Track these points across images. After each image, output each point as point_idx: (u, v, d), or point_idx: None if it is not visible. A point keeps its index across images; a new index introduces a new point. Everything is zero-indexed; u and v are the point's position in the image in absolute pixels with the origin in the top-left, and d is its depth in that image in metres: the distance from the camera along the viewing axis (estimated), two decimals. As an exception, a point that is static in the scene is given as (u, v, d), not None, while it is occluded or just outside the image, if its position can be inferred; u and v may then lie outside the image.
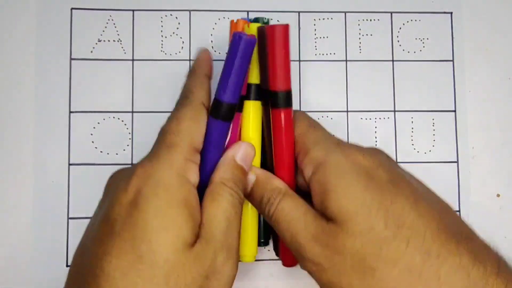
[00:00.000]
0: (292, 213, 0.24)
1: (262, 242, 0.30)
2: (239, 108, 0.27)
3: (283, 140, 0.26)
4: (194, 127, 0.23)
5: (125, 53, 0.32)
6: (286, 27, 0.24)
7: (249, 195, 0.26)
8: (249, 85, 0.27)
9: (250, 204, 0.28)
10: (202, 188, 0.23)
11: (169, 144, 0.22)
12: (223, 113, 0.24)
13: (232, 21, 0.27)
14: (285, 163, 0.26)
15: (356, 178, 0.22)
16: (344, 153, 0.24)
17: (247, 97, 0.27)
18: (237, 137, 0.27)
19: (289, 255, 0.29)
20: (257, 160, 0.28)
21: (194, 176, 0.23)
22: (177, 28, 0.33)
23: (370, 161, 0.23)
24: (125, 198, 0.21)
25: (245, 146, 0.25)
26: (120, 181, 0.22)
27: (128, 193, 0.21)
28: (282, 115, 0.25)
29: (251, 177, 0.26)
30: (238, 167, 0.24)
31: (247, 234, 0.29)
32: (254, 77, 0.27)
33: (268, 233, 0.30)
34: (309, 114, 0.33)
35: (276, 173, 0.26)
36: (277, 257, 0.32)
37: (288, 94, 0.25)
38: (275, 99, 0.25)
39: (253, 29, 0.26)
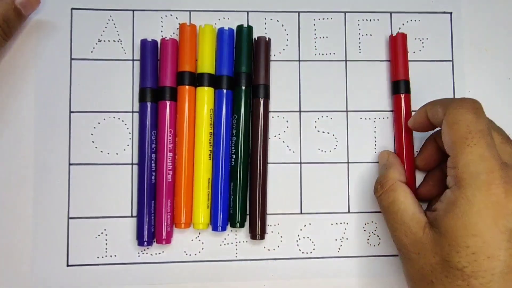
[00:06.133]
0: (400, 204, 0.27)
1: (238, 223, 0.31)
2: (173, 97, 0.31)
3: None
4: None
5: (125, 53, 0.32)
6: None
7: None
8: (202, 74, 0.31)
9: (202, 175, 0.31)
10: None
11: None
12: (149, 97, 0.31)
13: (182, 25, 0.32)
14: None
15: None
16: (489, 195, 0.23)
17: (200, 84, 0.31)
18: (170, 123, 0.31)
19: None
20: (206, 140, 0.31)
21: None
22: (177, 28, 0.33)
23: None
24: None
25: None
26: None
27: None
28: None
29: (383, 161, 0.31)
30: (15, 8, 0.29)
31: (199, 203, 0.31)
32: (207, 68, 0.31)
33: (245, 214, 0.31)
34: (309, 114, 0.33)
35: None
36: (276, 257, 0.32)
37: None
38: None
39: (206, 29, 0.31)
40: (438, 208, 0.24)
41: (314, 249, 0.32)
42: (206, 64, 0.31)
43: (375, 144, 0.33)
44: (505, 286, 0.22)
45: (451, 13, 0.34)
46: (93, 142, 0.32)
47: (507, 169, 0.23)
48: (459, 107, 0.24)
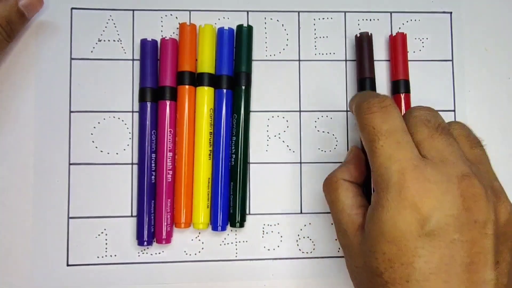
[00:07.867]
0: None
1: (238, 223, 0.31)
2: (173, 97, 0.31)
3: None
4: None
5: (125, 53, 0.32)
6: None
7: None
8: (202, 74, 0.31)
9: (202, 174, 0.31)
10: None
11: None
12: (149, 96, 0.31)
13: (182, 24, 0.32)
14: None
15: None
16: (405, 196, 0.21)
17: (200, 84, 0.31)
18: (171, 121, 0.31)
19: None
20: (206, 140, 0.31)
21: None
22: (177, 28, 0.33)
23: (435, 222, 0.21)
24: None
25: None
26: None
27: None
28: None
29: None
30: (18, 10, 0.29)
31: (199, 202, 0.31)
32: (207, 68, 0.31)
33: (245, 214, 0.31)
34: (309, 113, 0.33)
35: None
36: (276, 257, 0.32)
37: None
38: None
39: (206, 29, 0.31)
40: (367, 212, 0.24)
41: (314, 249, 0.32)
42: (206, 63, 0.31)
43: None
44: None
45: (451, 13, 0.34)
46: (93, 142, 0.32)
47: (424, 167, 0.21)
48: (366, 111, 0.24)
